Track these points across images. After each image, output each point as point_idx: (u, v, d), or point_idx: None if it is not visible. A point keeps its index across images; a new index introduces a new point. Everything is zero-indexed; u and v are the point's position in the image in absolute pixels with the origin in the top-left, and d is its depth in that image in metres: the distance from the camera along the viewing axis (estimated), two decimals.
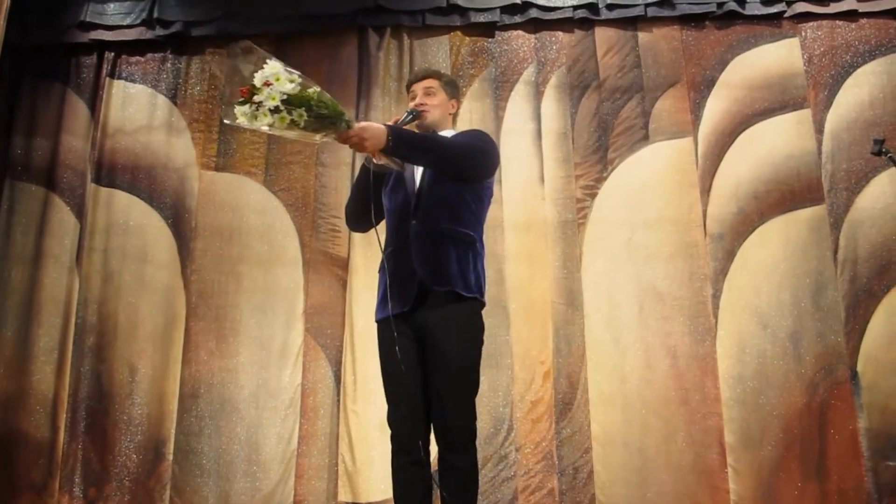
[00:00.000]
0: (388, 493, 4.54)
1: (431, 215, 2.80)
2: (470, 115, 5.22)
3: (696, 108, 5.13)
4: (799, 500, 4.52)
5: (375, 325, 3.02)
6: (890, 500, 4.45)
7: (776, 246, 4.89)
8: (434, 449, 2.86)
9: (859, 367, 4.67)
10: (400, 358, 2.73)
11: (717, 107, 5.11)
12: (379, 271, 2.95)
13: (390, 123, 2.77)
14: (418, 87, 3.04)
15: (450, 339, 2.74)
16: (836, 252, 4.84)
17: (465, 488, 2.76)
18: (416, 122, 2.95)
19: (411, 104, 3.04)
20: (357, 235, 4.96)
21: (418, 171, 2.95)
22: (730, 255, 4.89)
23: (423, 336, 2.77)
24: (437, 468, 2.82)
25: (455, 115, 3.22)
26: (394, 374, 2.81)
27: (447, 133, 3.07)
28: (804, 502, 4.52)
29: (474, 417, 2.84)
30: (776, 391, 4.68)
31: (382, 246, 2.89)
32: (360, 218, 3.01)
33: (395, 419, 2.82)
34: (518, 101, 5.24)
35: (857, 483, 4.50)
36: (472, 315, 2.81)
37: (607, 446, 4.68)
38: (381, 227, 3.02)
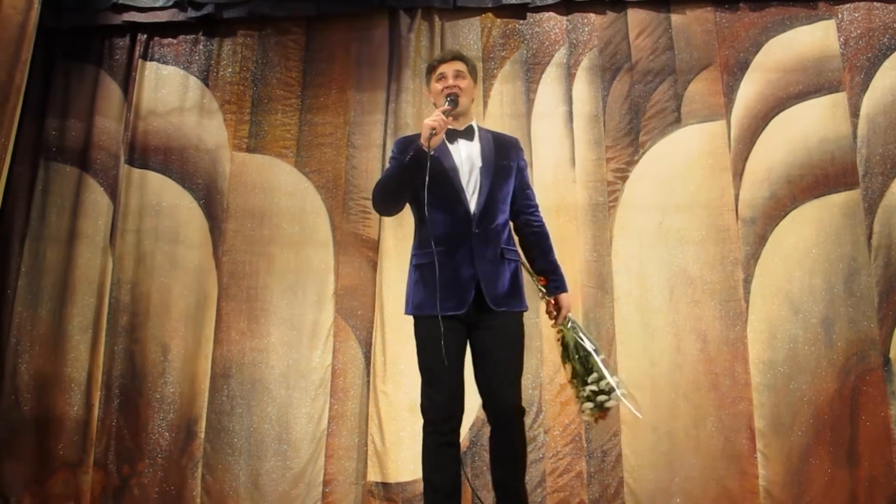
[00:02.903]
0: (417, 473, 4.55)
1: (494, 231, 2.92)
2: (501, 98, 5.20)
3: (730, 91, 5.08)
4: (829, 486, 4.50)
5: (413, 317, 3.07)
6: None
7: (809, 231, 4.84)
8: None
9: (892, 354, 4.63)
10: (445, 353, 2.79)
11: (750, 90, 5.05)
12: (417, 267, 2.99)
13: (435, 121, 2.81)
14: (448, 69, 3.03)
15: (505, 330, 2.91)
16: (870, 237, 4.79)
17: (523, 457, 2.96)
18: (453, 107, 2.95)
19: (439, 85, 3.04)
20: (388, 218, 4.99)
21: (469, 164, 2.98)
22: (762, 240, 4.85)
23: (475, 326, 2.89)
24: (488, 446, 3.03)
25: (473, 100, 3.20)
26: (437, 361, 2.82)
27: (472, 124, 3.09)
28: (834, 488, 4.50)
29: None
30: (807, 377, 4.65)
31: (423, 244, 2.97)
32: (399, 201, 3.03)
33: (434, 401, 2.86)
34: (549, 84, 5.21)
35: (887, 470, 4.47)
36: (520, 324, 2.98)
37: (636, 430, 4.68)
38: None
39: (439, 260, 2.84)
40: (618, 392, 3.00)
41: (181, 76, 5.50)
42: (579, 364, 3.02)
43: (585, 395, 3.01)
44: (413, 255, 3.03)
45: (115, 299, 5.15)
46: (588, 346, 3.06)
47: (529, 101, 5.18)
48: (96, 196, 5.33)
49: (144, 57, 5.54)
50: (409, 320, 4.79)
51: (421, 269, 2.95)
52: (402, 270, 4.89)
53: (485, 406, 2.92)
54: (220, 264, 5.16)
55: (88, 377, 5.04)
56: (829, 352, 4.67)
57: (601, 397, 2.99)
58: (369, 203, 4.97)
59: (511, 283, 2.94)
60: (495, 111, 5.17)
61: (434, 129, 2.77)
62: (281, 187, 5.26)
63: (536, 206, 3.24)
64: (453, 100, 2.93)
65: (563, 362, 3.11)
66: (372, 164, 5.21)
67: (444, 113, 2.85)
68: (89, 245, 5.25)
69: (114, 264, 5.20)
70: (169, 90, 5.49)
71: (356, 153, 5.26)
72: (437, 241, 2.85)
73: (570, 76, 5.21)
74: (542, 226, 3.21)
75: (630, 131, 5.09)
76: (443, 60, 3.07)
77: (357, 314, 5.02)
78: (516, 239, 3.16)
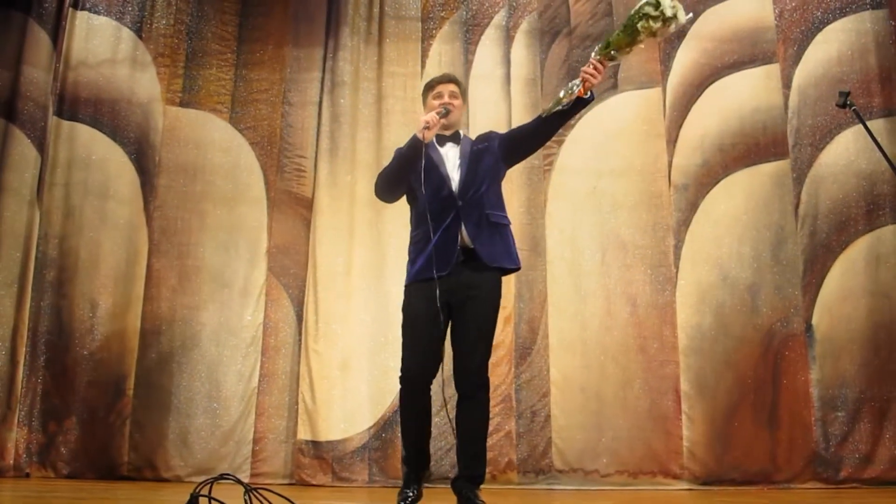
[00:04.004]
0: (348, 431, 4.71)
1: (476, 201, 3.24)
2: (439, 59, 5.19)
3: (666, 59, 5.12)
4: (750, 448, 4.63)
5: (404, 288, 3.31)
6: (836, 449, 4.57)
7: (739, 199, 4.94)
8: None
9: (814, 320, 4.76)
10: (427, 317, 3.13)
11: (686, 58, 5.10)
12: (416, 242, 3.29)
13: (428, 118, 3.21)
14: (445, 89, 3.40)
15: (482, 304, 3.20)
16: (797, 207, 4.91)
17: (486, 423, 3.26)
18: (446, 117, 3.30)
19: (436, 101, 3.37)
20: (322, 176, 5.04)
21: (454, 159, 3.33)
22: (693, 207, 4.94)
23: (456, 298, 3.16)
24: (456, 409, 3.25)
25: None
26: (423, 328, 3.16)
27: (459, 131, 3.46)
28: (755, 449, 4.63)
29: None
30: (733, 341, 4.77)
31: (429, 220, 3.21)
32: (400, 188, 3.37)
33: (406, 360, 3.17)
34: (488, 46, 5.22)
35: (805, 432, 4.62)
36: (499, 284, 3.28)
37: (565, 391, 4.75)
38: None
39: (430, 233, 3.17)
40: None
41: (113, 27, 5.37)
42: (623, 27, 3.00)
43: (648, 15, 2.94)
44: (411, 237, 3.34)
45: (42, 254, 5.04)
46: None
47: (468, 63, 5.18)
48: (23, 148, 5.17)
49: (75, 6, 5.39)
50: (342, 279, 4.90)
51: (415, 244, 3.29)
52: (335, 229, 4.95)
53: (455, 375, 3.21)
54: (151, 220, 5.09)
55: (14, 333, 4.93)
56: (754, 317, 4.79)
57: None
58: (304, 161, 5.07)
59: (500, 242, 3.27)
60: (433, 72, 5.12)
61: (427, 123, 3.17)
62: (214, 143, 5.19)
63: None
64: (447, 110, 3.30)
65: (620, 48, 3.03)
66: (307, 121, 5.17)
67: (437, 114, 3.23)
68: (15, 198, 5.10)
69: (41, 218, 5.08)
70: (100, 41, 5.35)
71: (292, 110, 5.22)
72: (429, 219, 3.19)
73: (508, 39, 5.21)
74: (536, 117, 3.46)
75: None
76: (440, 81, 3.45)
77: (290, 272, 5.00)
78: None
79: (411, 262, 3.28)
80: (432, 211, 3.20)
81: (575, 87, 3.07)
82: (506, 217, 3.35)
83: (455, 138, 3.41)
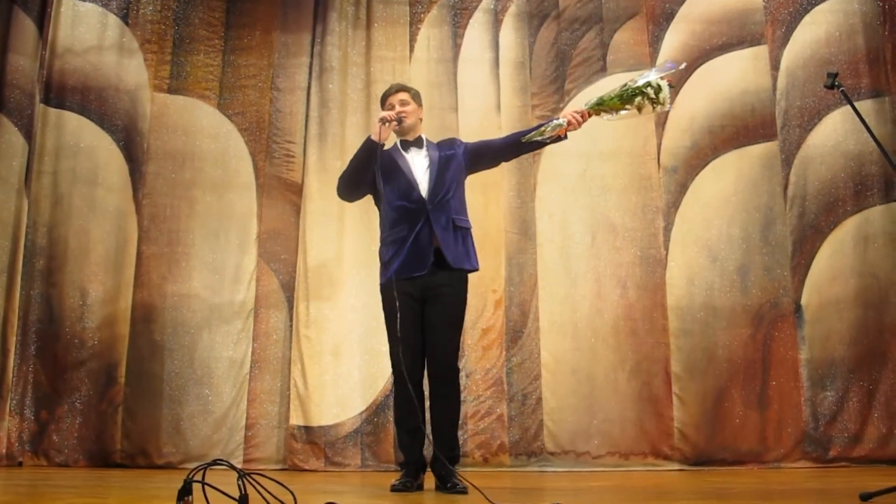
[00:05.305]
0: (340, 416, 4.73)
1: (443, 206, 3.43)
2: (428, 43, 5.18)
3: (655, 41, 5.13)
4: (740, 428, 4.67)
5: (382, 287, 3.49)
6: (826, 429, 4.61)
7: (728, 180, 4.96)
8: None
9: (803, 301, 4.79)
10: (408, 313, 3.36)
11: (675, 40, 5.11)
12: (389, 244, 3.45)
13: (385, 113, 3.44)
14: (394, 99, 3.57)
15: (452, 298, 3.42)
16: (786, 188, 4.93)
17: (458, 407, 3.49)
18: (400, 125, 3.50)
19: (392, 112, 3.50)
20: (312, 161, 5.04)
21: (421, 164, 3.50)
22: (682, 189, 4.95)
23: (429, 294, 3.39)
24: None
25: (421, 120, 3.66)
26: (409, 325, 3.37)
27: (421, 136, 3.61)
28: (745, 430, 4.67)
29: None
30: (722, 323, 4.80)
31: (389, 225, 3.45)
32: (360, 189, 3.57)
33: (398, 358, 3.33)
34: (476, 29, 5.21)
35: (795, 412, 4.66)
36: (466, 282, 3.50)
37: (556, 374, 4.77)
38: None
39: (404, 235, 3.39)
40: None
41: (99, 13, 5.33)
42: (621, 93, 3.30)
43: (632, 92, 3.26)
44: (383, 238, 3.50)
45: (31, 242, 5.03)
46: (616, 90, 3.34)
47: (456, 47, 5.18)
48: (10, 136, 5.13)
49: None
50: (333, 264, 4.91)
51: (388, 246, 3.46)
52: (325, 215, 4.95)
53: (427, 362, 3.41)
54: (140, 207, 5.07)
55: (4, 322, 4.91)
56: (744, 298, 4.82)
57: (651, 90, 3.23)
58: (293, 146, 5.07)
59: (463, 246, 3.46)
60: (422, 56, 5.15)
61: (383, 119, 3.38)
62: (203, 129, 5.17)
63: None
64: (400, 120, 3.50)
65: (609, 109, 3.35)
66: (296, 107, 5.15)
67: (395, 120, 3.46)
68: (3, 187, 5.06)
69: (29, 206, 5.06)
70: (86, 28, 5.31)
71: (280, 96, 5.20)
72: (400, 221, 3.42)
73: (497, 22, 5.20)
74: (507, 135, 3.77)
75: (556, 79, 5.12)
76: (389, 93, 3.62)
77: (280, 258, 5.00)
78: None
79: (387, 263, 3.44)
80: (403, 216, 3.41)
81: (558, 127, 3.34)
82: (468, 221, 3.54)
83: (418, 143, 3.57)
